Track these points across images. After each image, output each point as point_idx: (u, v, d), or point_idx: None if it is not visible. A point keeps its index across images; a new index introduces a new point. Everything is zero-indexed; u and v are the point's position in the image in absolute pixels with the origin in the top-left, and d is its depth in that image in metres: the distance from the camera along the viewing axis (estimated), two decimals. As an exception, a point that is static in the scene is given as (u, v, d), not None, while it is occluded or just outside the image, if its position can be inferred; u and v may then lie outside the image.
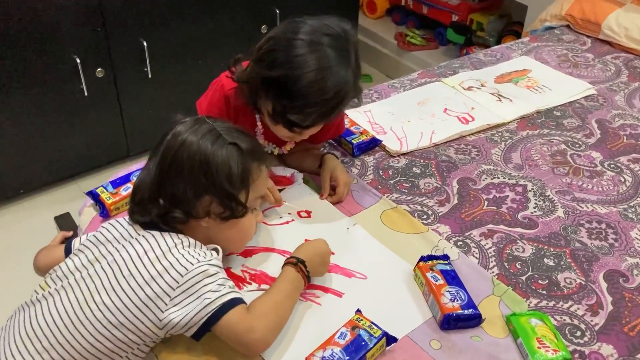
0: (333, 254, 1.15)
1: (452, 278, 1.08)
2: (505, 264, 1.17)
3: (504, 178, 1.40)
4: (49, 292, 0.97)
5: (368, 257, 1.17)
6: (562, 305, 1.09)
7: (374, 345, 0.94)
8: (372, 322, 0.98)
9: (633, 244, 1.23)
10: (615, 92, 1.79)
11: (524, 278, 1.14)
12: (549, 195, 1.35)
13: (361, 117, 1.59)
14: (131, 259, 0.94)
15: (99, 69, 2.17)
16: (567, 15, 2.19)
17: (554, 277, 1.14)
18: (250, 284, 1.09)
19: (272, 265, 1.12)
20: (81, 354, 0.91)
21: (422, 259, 1.12)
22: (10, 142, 2.13)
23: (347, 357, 0.92)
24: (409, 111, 1.64)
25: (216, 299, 0.90)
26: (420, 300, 1.08)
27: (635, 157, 1.50)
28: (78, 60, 2.09)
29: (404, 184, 1.37)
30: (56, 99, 2.14)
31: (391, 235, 1.22)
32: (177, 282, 0.91)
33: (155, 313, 0.91)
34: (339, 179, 1.30)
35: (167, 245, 0.95)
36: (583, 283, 1.13)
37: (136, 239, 0.98)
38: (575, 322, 1.06)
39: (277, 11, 2.47)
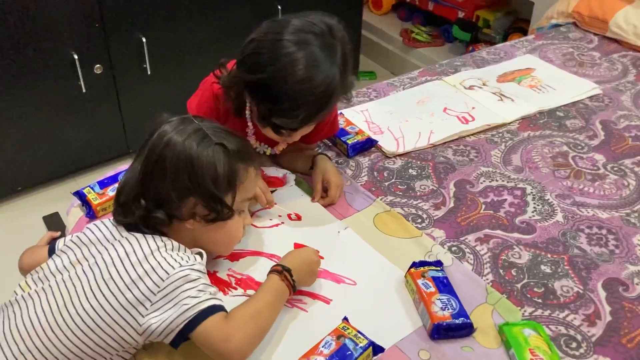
0: (322, 258, 1.12)
1: (443, 285, 1.05)
2: (501, 270, 1.13)
3: (503, 181, 1.36)
4: (28, 293, 0.95)
5: (358, 262, 1.14)
6: (557, 315, 1.05)
7: (360, 355, 0.91)
8: (359, 331, 0.95)
9: (635, 250, 1.19)
10: (621, 92, 1.74)
11: (519, 286, 1.10)
12: (549, 199, 1.31)
13: (358, 116, 1.55)
14: (112, 262, 0.92)
15: (97, 66, 2.15)
16: (574, 13, 2.13)
17: (550, 285, 1.10)
18: (235, 288, 1.06)
19: (260, 269, 1.10)
20: (58, 359, 0.89)
21: (414, 265, 1.08)
22: (7, 139, 2.11)
23: (331, 368, 0.89)
24: (408, 110, 1.60)
25: (194, 305, 0.88)
26: (411, 308, 1.05)
27: (640, 160, 1.45)
28: (76, 57, 2.07)
29: (399, 186, 1.34)
30: (53, 96, 2.12)
31: (383, 240, 1.19)
32: (158, 287, 0.89)
33: (136, 318, 0.89)
34: (331, 181, 1.27)
35: (150, 248, 0.93)
36: (581, 292, 1.09)
37: (119, 241, 0.95)
38: (571, 332, 1.02)
39: (279, 7, 2.44)
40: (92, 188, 1.23)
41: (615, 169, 1.42)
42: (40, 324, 0.90)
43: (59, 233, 1.20)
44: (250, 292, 1.05)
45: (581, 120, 1.60)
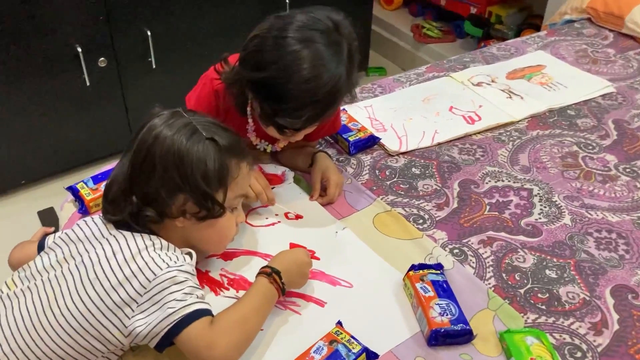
0: (318, 259, 1.09)
1: (443, 290, 1.01)
2: (504, 274, 1.09)
3: (509, 181, 1.32)
4: (14, 292, 0.93)
5: (356, 263, 1.10)
6: (562, 323, 1.00)
7: (352, 361, 0.88)
8: (352, 336, 0.91)
9: (645, 256, 1.14)
10: (636, 90, 1.68)
11: (522, 291, 1.06)
12: (556, 201, 1.26)
13: (361, 113, 1.51)
14: (99, 261, 0.89)
15: (102, 59, 2.13)
16: (589, 8, 2.07)
17: (555, 291, 1.06)
18: (227, 289, 1.03)
19: (253, 270, 1.05)
20: (42, 360, 0.87)
21: (413, 267, 1.05)
22: (11, 132, 2.10)
23: (322, 375, 0.86)
24: (413, 108, 1.56)
25: (180, 309, 0.84)
26: (409, 313, 1.01)
27: (654, 161, 1.40)
28: (79, 49, 2.05)
29: (401, 186, 1.30)
30: (57, 89, 2.10)
31: (383, 241, 1.15)
32: (145, 288, 0.86)
33: (122, 320, 0.86)
34: (330, 180, 1.23)
35: (137, 247, 0.89)
36: (587, 298, 1.05)
37: (107, 239, 0.92)
38: (576, 341, 0.97)
39: (287, 0, 2.40)
40: (85, 183, 1.20)
41: (627, 170, 1.37)
42: (25, 324, 0.87)
43: (52, 229, 1.18)
44: (242, 292, 1.01)
45: (593, 119, 1.55)
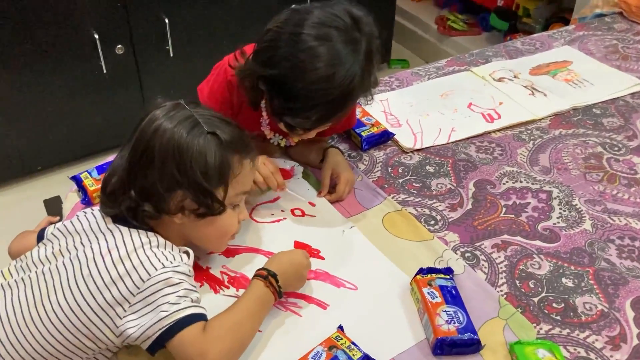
0: (323, 258, 1.05)
1: (451, 296, 0.96)
2: (517, 281, 1.04)
3: (528, 182, 1.26)
4: (8, 283, 0.91)
5: (362, 265, 1.06)
6: (577, 335, 0.95)
7: (351, 369, 0.84)
8: (353, 342, 0.88)
9: (670, 266, 1.07)
10: (668, 89, 1.60)
11: (536, 300, 1.00)
12: (576, 205, 1.20)
13: (376, 106, 1.46)
14: (93, 257, 0.86)
15: (119, 46, 2.11)
16: (621, 2, 1.99)
17: (571, 301, 1.00)
18: (228, 287, 1.00)
19: (255, 268, 1.01)
20: (31, 355, 0.84)
21: (421, 271, 1.00)
22: (28, 119, 2.10)
23: (319, 382, 0.82)
24: (430, 103, 1.50)
25: (173, 313, 0.81)
26: (415, 319, 0.96)
27: (684, 165, 1.32)
28: (97, 36, 2.04)
29: (414, 184, 1.25)
30: (74, 76, 2.09)
31: (391, 242, 1.10)
32: (138, 288, 0.83)
33: (113, 319, 0.83)
34: (341, 176, 1.19)
35: (133, 244, 0.87)
36: (605, 310, 0.99)
37: (104, 233, 0.90)
38: (592, 356, 0.92)
39: (308, -10, 2.35)
40: (89, 173, 1.18)
41: (654, 173, 1.30)
42: (16, 317, 0.85)
43: (57, 218, 1.16)
44: (243, 291, 0.98)
45: (620, 119, 1.48)
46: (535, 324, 0.96)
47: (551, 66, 1.68)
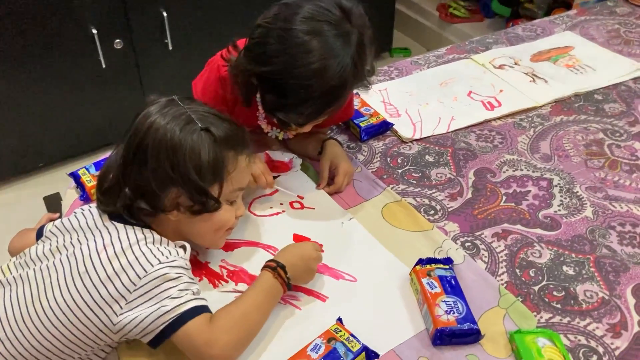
0: (322, 251, 1.05)
1: (451, 286, 0.96)
2: (517, 270, 1.03)
3: (528, 170, 1.25)
4: (7, 279, 0.91)
5: (361, 256, 1.05)
6: (578, 323, 0.94)
7: (351, 361, 0.84)
8: (352, 334, 0.87)
9: (672, 252, 1.07)
10: (671, 74, 1.58)
11: (536, 288, 1.00)
12: (577, 192, 1.19)
13: (375, 96, 1.45)
14: (89, 253, 0.86)
15: (117, 40, 2.11)
16: (623, -15, 1.96)
17: (572, 289, 1.00)
18: (226, 281, 1.00)
19: (255, 262, 1.03)
20: (29, 352, 0.85)
21: (420, 261, 1.00)
22: (27, 115, 2.10)
23: (318, 374, 0.82)
24: (429, 92, 1.49)
25: (176, 306, 0.82)
26: (414, 309, 0.96)
27: (687, 150, 1.31)
28: (95, 31, 2.03)
29: (414, 174, 1.24)
30: (73, 71, 2.09)
31: (391, 233, 1.10)
32: (135, 285, 0.83)
33: (110, 317, 0.83)
34: (339, 168, 1.18)
35: (129, 240, 0.87)
36: (606, 297, 0.98)
37: (100, 230, 0.90)
38: (592, 344, 0.91)
39: (306, -20, 2.33)
40: (87, 169, 1.18)
41: (657, 159, 1.29)
42: (14, 313, 0.86)
43: (57, 215, 1.16)
44: (242, 285, 0.98)
45: (622, 104, 1.46)
46: (535, 313, 0.96)
47: (552, 52, 1.66)
